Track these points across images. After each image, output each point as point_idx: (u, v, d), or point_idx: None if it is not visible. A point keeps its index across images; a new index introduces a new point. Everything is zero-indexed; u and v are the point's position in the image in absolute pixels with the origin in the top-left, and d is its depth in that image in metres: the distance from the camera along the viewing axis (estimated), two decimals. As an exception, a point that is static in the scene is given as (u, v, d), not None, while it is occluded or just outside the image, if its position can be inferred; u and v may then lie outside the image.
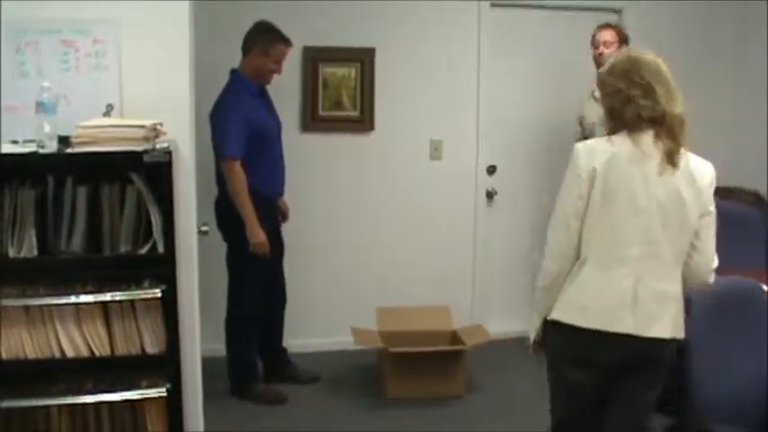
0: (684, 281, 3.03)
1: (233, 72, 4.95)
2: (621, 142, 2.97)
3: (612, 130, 3.05)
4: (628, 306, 2.91)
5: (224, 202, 4.91)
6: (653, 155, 2.94)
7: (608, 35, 5.39)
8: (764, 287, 3.50)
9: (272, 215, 5.07)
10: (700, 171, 3.06)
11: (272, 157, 5.03)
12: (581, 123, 5.49)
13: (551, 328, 3.07)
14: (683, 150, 3.01)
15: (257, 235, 4.83)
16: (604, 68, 3.19)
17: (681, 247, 2.99)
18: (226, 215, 4.93)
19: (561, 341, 3.06)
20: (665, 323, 2.92)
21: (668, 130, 2.99)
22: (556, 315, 3.03)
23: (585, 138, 4.42)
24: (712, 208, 3.10)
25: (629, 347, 2.92)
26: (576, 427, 3.18)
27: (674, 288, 2.97)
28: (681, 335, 2.96)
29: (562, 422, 3.26)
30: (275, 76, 5.04)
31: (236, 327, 5.07)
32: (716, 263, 3.09)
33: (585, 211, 2.96)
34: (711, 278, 3.09)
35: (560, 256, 3.03)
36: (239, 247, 4.92)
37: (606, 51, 5.29)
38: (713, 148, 6.49)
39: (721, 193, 6.04)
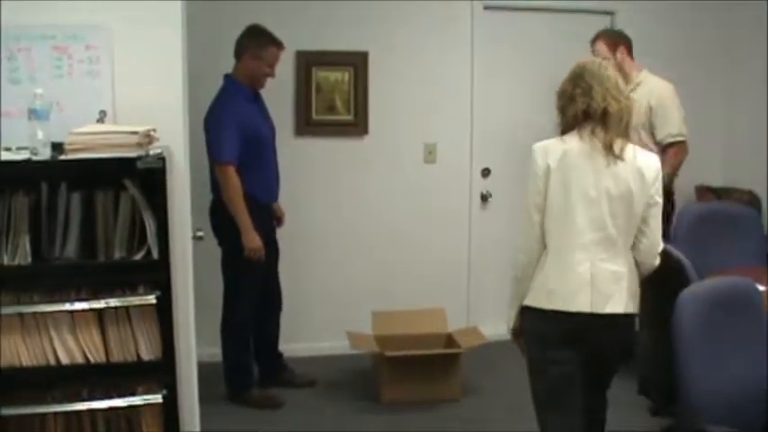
0: (636, 264, 3.34)
1: (227, 77, 4.94)
2: (571, 140, 3.29)
3: (563, 130, 3.38)
4: (585, 287, 3.20)
5: (219, 207, 4.90)
6: (599, 149, 3.23)
7: (600, 49, 5.36)
8: (760, 286, 3.50)
9: (267, 220, 5.07)
10: (646, 164, 3.29)
11: (266, 163, 5.02)
12: None
13: (526, 314, 3.37)
14: (622, 142, 3.25)
15: (253, 240, 4.83)
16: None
17: (629, 231, 3.27)
18: (220, 220, 4.92)
19: (534, 324, 3.35)
20: (619, 300, 3.24)
21: (603, 124, 3.24)
22: (527, 302, 3.34)
23: None
24: (659, 198, 3.32)
25: (589, 324, 3.21)
26: (556, 406, 3.39)
27: (626, 268, 3.28)
28: (634, 310, 3.30)
29: (544, 405, 3.46)
30: (269, 80, 5.03)
31: (231, 332, 5.06)
32: (661, 247, 3.39)
33: (545, 205, 3.26)
34: (657, 260, 3.38)
35: (527, 248, 3.34)
36: (234, 253, 4.91)
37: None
38: (707, 149, 6.56)
39: (716, 192, 6.11)
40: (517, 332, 3.48)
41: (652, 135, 5.22)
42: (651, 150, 4.95)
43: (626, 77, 5.17)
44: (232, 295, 5.05)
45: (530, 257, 3.34)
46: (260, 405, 5.04)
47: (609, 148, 3.22)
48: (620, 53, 5.31)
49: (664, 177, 4.97)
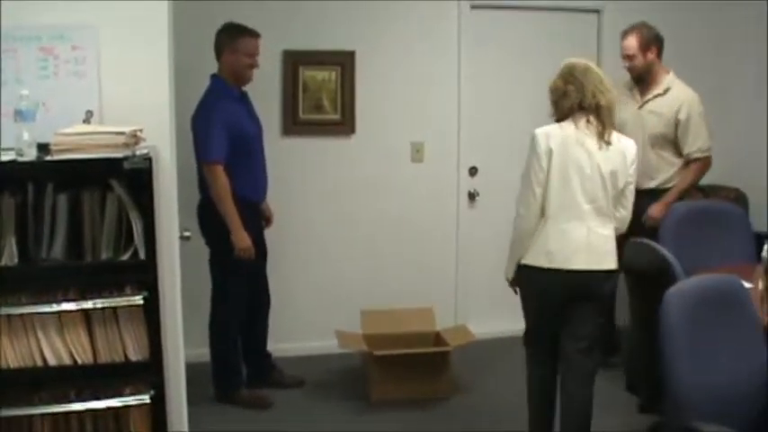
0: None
1: (213, 77, 4.94)
2: (568, 127, 3.91)
3: (558, 119, 4.00)
4: (583, 249, 3.85)
5: (206, 207, 4.90)
6: (590, 135, 3.86)
7: (630, 45, 5.24)
8: (746, 284, 3.51)
9: (255, 220, 5.06)
10: (628, 149, 3.97)
11: (254, 162, 5.02)
12: None
13: (524, 271, 3.99)
14: (611, 130, 3.90)
15: (242, 239, 4.82)
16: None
17: (612, 203, 3.93)
18: (208, 220, 4.92)
19: (534, 279, 3.98)
20: (611, 258, 3.91)
21: (597, 116, 3.87)
22: (527, 261, 3.95)
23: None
24: (633, 176, 4.01)
25: (584, 279, 3.86)
26: (542, 333, 4.12)
27: (611, 232, 3.94)
28: (616, 266, 3.95)
29: (530, 329, 4.20)
30: (256, 80, 5.03)
31: (220, 332, 5.06)
32: (630, 216, 4.09)
33: (546, 180, 3.85)
34: (626, 227, 4.10)
35: (529, 216, 3.91)
36: (222, 253, 4.91)
37: (630, 64, 5.26)
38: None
39: (703, 190, 6.12)
40: (514, 282, 4.12)
41: (675, 146, 5.20)
42: (671, 162, 5.15)
43: (652, 80, 5.23)
44: (220, 295, 5.05)
45: (530, 224, 3.90)
46: (249, 405, 5.03)
47: (601, 136, 3.86)
48: (651, 54, 5.23)
49: (681, 190, 5.06)
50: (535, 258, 3.92)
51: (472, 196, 6.25)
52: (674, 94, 5.19)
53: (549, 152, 3.86)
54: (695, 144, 5.16)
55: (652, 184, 5.20)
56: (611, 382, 4.71)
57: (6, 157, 3.17)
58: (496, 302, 6.11)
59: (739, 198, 6.15)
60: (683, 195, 5.19)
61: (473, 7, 6.03)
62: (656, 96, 5.22)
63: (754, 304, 3.37)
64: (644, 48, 5.19)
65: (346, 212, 5.95)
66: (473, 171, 6.23)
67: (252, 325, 5.22)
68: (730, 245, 4.96)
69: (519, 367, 5.71)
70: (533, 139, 3.95)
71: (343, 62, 5.84)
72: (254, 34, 4.95)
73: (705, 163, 5.24)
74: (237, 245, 4.81)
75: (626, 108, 5.31)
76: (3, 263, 3.18)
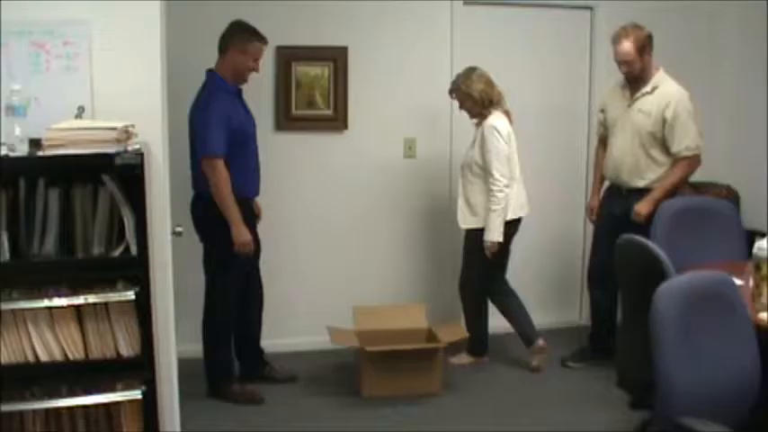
0: None
1: (210, 72, 4.93)
2: (504, 118, 5.45)
3: (483, 114, 5.43)
4: (526, 201, 5.54)
5: (201, 202, 4.90)
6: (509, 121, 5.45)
7: (626, 51, 5.14)
8: (737, 281, 3.52)
9: (250, 215, 5.06)
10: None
11: (249, 158, 5.02)
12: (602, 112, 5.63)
13: (509, 225, 5.38)
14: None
15: (243, 234, 4.82)
16: (463, 82, 5.45)
17: None
18: (203, 216, 4.92)
19: (511, 229, 5.45)
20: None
21: (501, 107, 5.47)
22: (512, 216, 5.40)
23: (605, 127, 5.57)
24: None
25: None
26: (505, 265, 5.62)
27: None
28: None
29: (497, 268, 5.58)
30: (254, 80, 5.03)
31: (213, 327, 5.06)
32: None
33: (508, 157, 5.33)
34: None
35: (505, 185, 5.28)
36: (218, 249, 4.91)
37: (628, 69, 5.20)
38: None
39: (695, 187, 6.14)
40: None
41: (664, 145, 5.17)
42: (660, 162, 5.18)
43: (642, 79, 5.19)
44: (214, 291, 5.04)
45: (506, 191, 5.30)
46: (240, 400, 5.04)
47: (511, 122, 5.49)
48: (647, 55, 5.17)
49: (668, 188, 5.09)
50: (515, 212, 5.43)
51: (465, 193, 6.27)
52: (662, 92, 5.16)
53: (509, 136, 5.38)
54: (683, 142, 5.13)
55: (641, 184, 5.23)
56: (601, 379, 4.73)
57: (-2, 152, 3.17)
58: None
59: (731, 195, 6.17)
60: (670, 193, 5.18)
61: (466, 3, 6.03)
62: (644, 95, 5.21)
63: (745, 301, 3.38)
64: (640, 50, 5.14)
65: (339, 208, 5.95)
66: (467, 166, 6.26)
67: (245, 321, 5.22)
68: (721, 242, 4.97)
69: (510, 363, 5.74)
70: (499, 130, 5.32)
71: (336, 58, 5.83)
72: (265, 41, 4.96)
73: (693, 161, 5.22)
74: (237, 239, 4.80)
75: (615, 107, 5.32)
76: (-6, 258, 3.18)
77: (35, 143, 3.18)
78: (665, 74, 5.26)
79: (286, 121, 5.80)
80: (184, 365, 4.05)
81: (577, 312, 6.65)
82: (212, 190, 4.76)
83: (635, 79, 5.24)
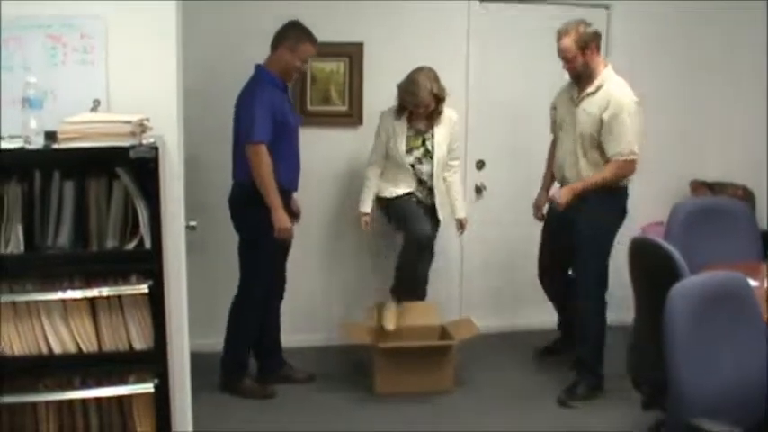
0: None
1: (258, 67, 4.99)
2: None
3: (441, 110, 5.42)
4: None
5: (240, 192, 4.95)
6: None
7: (567, 49, 5.03)
8: (752, 281, 3.51)
9: (288, 208, 5.05)
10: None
11: (291, 150, 5.07)
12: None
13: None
14: None
15: (282, 219, 4.87)
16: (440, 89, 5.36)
17: None
18: (241, 206, 4.98)
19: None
20: None
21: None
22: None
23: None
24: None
25: None
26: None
27: None
28: None
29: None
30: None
31: (240, 321, 5.08)
32: None
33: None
34: None
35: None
36: (254, 239, 4.96)
37: (568, 65, 5.11)
38: (702, 144, 6.59)
39: (711, 187, 6.12)
40: None
41: (599, 147, 5.04)
42: (596, 164, 5.10)
43: (589, 78, 5.08)
44: (248, 282, 5.05)
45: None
46: (252, 395, 5.06)
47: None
48: (590, 51, 5.03)
49: (592, 182, 5.05)
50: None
51: (479, 190, 6.26)
52: (604, 93, 4.99)
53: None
54: (617, 147, 4.96)
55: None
56: (614, 379, 4.72)
57: (14, 144, 3.18)
58: (501, 296, 6.14)
59: (746, 196, 6.14)
60: (596, 188, 5.06)
61: (482, 0, 6.02)
62: (588, 95, 5.07)
63: (759, 302, 3.37)
64: (582, 47, 4.99)
65: (354, 203, 5.94)
66: (480, 165, 6.23)
67: (266, 317, 5.22)
68: (736, 242, 4.95)
69: (523, 360, 5.74)
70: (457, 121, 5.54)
71: (352, 54, 5.84)
72: (315, 44, 5.03)
73: (625, 166, 5.03)
74: (277, 224, 4.85)
75: (563, 106, 5.27)
76: (9, 250, 3.18)
77: (51, 136, 3.18)
78: (614, 73, 5.08)
79: (302, 116, 5.79)
80: (197, 359, 4.06)
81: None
82: (254, 175, 4.80)
83: (580, 78, 5.10)
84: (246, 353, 5.19)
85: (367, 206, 5.49)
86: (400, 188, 5.45)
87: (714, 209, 5.17)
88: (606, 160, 5.03)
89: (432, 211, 5.52)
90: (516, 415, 4.96)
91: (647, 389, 3.95)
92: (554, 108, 5.46)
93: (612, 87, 5.00)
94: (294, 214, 5.29)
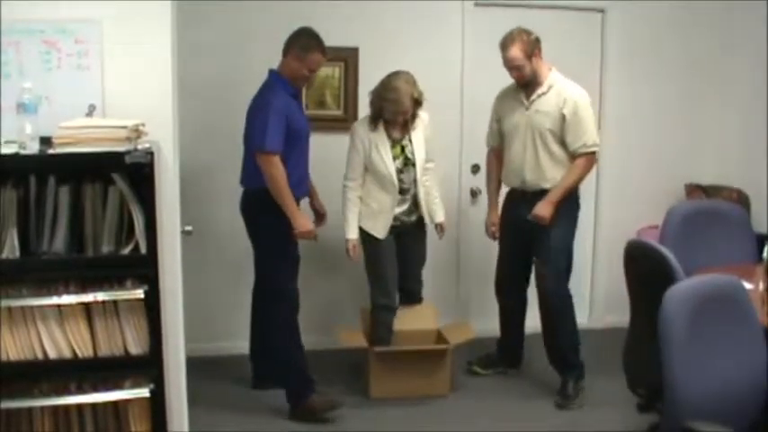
0: None
1: (271, 72, 4.93)
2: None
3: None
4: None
5: (252, 199, 4.90)
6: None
7: (516, 58, 5.06)
8: (746, 284, 3.52)
9: (285, 227, 4.92)
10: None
11: (302, 158, 5.03)
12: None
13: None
14: None
15: (303, 224, 4.86)
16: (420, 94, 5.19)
17: None
18: (255, 214, 4.92)
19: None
20: None
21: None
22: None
23: (501, 135, 5.43)
24: None
25: None
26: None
27: None
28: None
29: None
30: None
31: (286, 333, 4.95)
32: None
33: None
34: None
35: None
36: (273, 245, 4.90)
37: (518, 74, 5.14)
38: (697, 147, 6.60)
39: (705, 190, 6.13)
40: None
41: (564, 143, 5.08)
42: (561, 160, 5.12)
43: (538, 83, 5.12)
44: (274, 294, 4.95)
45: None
46: (323, 411, 4.92)
47: None
48: (536, 57, 5.08)
49: (566, 187, 5.08)
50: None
51: (474, 194, 6.26)
52: (559, 91, 5.07)
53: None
54: (581, 139, 5.04)
55: (547, 185, 5.14)
56: (610, 382, 4.72)
57: (9, 149, 3.17)
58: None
59: (741, 199, 6.15)
60: (569, 192, 5.14)
61: (477, 4, 6.04)
62: (540, 96, 5.12)
63: (755, 305, 3.37)
64: (529, 55, 5.02)
65: (348, 209, 5.96)
66: (475, 169, 6.24)
67: (265, 322, 5.14)
68: (731, 245, 4.96)
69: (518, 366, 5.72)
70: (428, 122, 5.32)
71: (347, 58, 5.85)
72: (325, 53, 4.96)
73: (590, 159, 5.13)
74: (299, 229, 4.82)
75: (515, 113, 5.25)
76: (4, 255, 3.18)
77: (46, 141, 3.18)
78: (559, 74, 5.15)
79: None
80: (193, 364, 4.06)
81: (587, 314, 6.64)
82: (269, 184, 4.74)
83: (528, 83, 5.15)
84: (306, 366, 5.00)
85: (353, 231, 5.30)
86: (379, 221, 5.26)
87: (709, 212, 5.18)
88: (571, 154, 5.08)
89: (418, 224, 5.43)
90: (512, 418, 4.96)
91: (643, 391, 3.96)
92: (498, 120, 5.44)
93: (565, 86, 5.09)
94: (320, 216, 5.33)
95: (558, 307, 5.20)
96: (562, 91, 5.06)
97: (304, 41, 4.88)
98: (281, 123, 4.73)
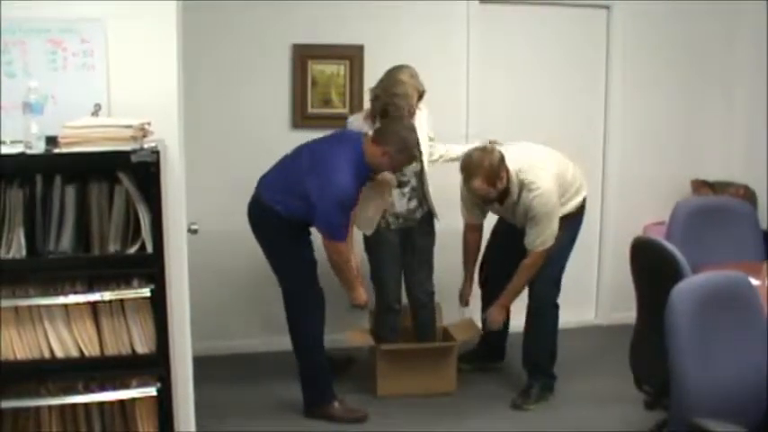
0: None
1: (357, 143, 4.77)
2: None
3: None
4: None
5: (274, 222, 4.79)
6: None
7: (480, 189, 4.90)
8: (753, 281, 3.51)
9: (304, 235, 4.93)
10: None
11: None
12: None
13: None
14: None
15: (360, 297, 5.03)
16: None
17: None
18: (274, 237, 4.87)
19: None
20: None
21: None
22: None
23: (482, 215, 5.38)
24: None
25: None
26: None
27: None
28: None
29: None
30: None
31: (309, 345, 4.93)
32: None
33: None
34: None
35: None
36: (293, 265, 4.89)
37: (488, 200, 5.06)
38: (703, 143, 6.58)
39: (712, 186, 6.11)
40: None
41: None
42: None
43: (504, 197, 5.00)
44: (298, 306, 4.94)
45: None
46: (342, 419, 4.90)
47: None
48: (500, 178, 4.86)
49: (518, 289, 5.15)
50: None
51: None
52: (523, 197, 4.92)
53: None
54: (538, 239, 4.94)
55: None
56: (616, 379, 4.71)
57: (15, 149, 3.18)
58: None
59: (748, 195, 6.14)
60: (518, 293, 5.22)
61: (482, 2, 6.03)
62: (511, 203, 5.02)
63: (762, 301, 3.37)
64: (493, 181, 4.84)
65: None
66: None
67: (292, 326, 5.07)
68: (738, 242, 4.96)
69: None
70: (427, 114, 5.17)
71: (352, 56, 5.84)
72: (414, 160, 4.97)
73: (541, 255, 5.01)
74: (357, 301, 5.04)
75: (492, 205, 5.20)
76: (11, 255, 3.18)
77: (52, 141, 3.18)
78: (522, 168, 4.93)
79: (302, 119, 5.81)
80: (199, 363, 4.06)
81: (593, 311, 6.64)
82: (331, 264, 4.82)
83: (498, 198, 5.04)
84: (329, 377, 5.00)
85: None
86: (370, 209, 5.08)
87: (716, 208, 5.18)
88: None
89: (424, 221, 5.31)
90: (519, 416, 4.96)
91: (650, 389, 3.96)
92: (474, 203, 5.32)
93: (530, 190, 4.89)
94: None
95: (542, 313, 5.18)
96: (526, 198, 4.89)
97: (402, 146, 4.73)
98: (349, 214, 4.74)
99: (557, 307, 5.22)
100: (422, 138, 5.12)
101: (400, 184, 5.15)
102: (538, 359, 5.23)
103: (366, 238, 5.27)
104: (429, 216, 5.31)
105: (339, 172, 4.60)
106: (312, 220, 4.72)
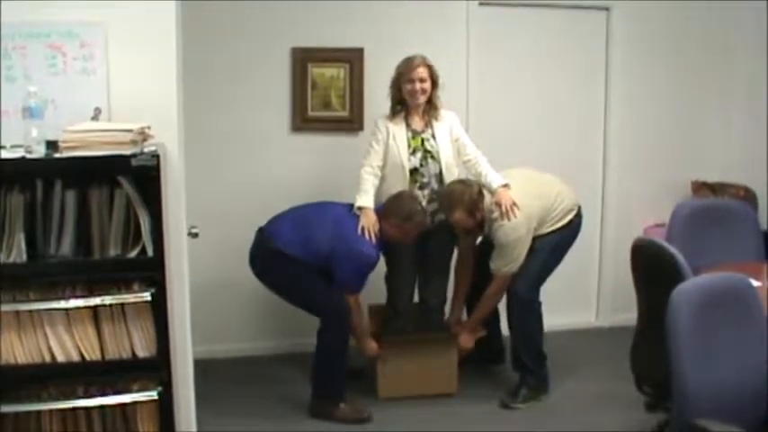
0: None
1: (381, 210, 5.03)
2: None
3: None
4: None
5: (282, 264, 4.89)
6: None
7: (459, 220, 5.08)
8: (754, 282, 3.51)
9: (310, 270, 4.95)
10: None
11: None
12: None
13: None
14: None
15: (370, 348, 5.16)
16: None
17: None
18: (282, 278, 4.96)
19: None
20: None
21: None
22: None
23: None
24: None
25: None
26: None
27: None
28: None
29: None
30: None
31: (332, 356, 4.97)
32: None
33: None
34: None
35: None
36: (311, 298, 4.97)
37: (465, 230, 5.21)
38: (703, 144, 6.58)
39: (712, 187, 6.11)
40: None
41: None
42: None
43: (484, 225, 5.15)
44: (327, 324, 4.97)
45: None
46: (348, 421, 4.92)
47: None
48: (479, 211, 5.10)
49: (485, 312, 5.29)
50: None
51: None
52: (497, 227, 5.06)
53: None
54: (504, 264, 5.08)
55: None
56: (617, 380, 4.71)
57: (15, 154, 3.18)
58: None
59: (748, 196, 6.14)
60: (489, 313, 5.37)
61: (481, 4, 6.03)
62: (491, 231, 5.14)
63: (762, 303, 3.37)
64: (472, 212, 5.05)
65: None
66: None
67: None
68: (738, 243, 4.95)
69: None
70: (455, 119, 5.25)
71: (352, 59, 5.85)
72: (423, 225, 5.07)
73: (505, 279, 5.14)
74: (366, 353, 5.19)
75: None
76: (11, 259, 3.19)
77: (52, 145, 3.19)
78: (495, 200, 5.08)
79: (302, 122, 5.82)
80: (201, 366, 4.06)
81: (594, 313, 6.64)
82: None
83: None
84: (344, 379, 5.03)
85: (366, 200, 5.06)
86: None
87: (716, 209, 5.17)
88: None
89: (445, 225, 5.24)
90: (520, 417, 4.96)
91: (651, 390, 3.96)
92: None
93: (493, 226, 5.07)
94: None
95: (522, 310, 5.18)
96: (499, 227, 5.01)
97: (406, 214, 4.94)
98: (367, 276, 4.92)
99: (538, 304, 5.21)
100: (443, 140, 5.19)
101: (420, 187, 5.16)
102: (524, 360, 5.23)
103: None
104: (448, 223, 5.23)
105: (364, 244, 4.89)
106: (332, 279, 4.89)
